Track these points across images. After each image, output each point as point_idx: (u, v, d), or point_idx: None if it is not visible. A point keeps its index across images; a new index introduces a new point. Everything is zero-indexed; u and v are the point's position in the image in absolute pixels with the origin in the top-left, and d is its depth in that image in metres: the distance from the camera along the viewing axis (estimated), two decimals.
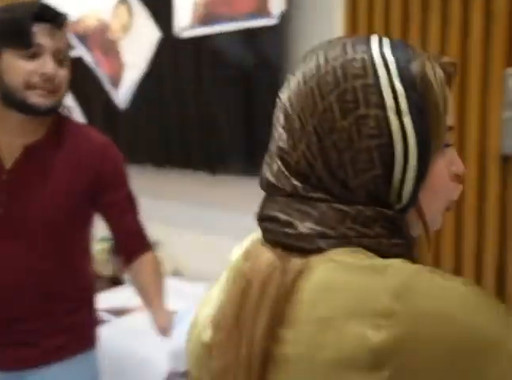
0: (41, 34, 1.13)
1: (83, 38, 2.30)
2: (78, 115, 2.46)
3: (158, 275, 1.35)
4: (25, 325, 1.22)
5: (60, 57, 1.16)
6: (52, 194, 1.21)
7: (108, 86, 2.20)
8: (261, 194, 0.52)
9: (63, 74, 1.17)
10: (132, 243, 1.33)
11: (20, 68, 1.12)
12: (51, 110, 1.17)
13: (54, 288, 1.25)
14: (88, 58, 2.27)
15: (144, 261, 1.32)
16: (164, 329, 1.31)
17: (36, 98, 1.13)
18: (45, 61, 1.13)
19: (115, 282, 2.12)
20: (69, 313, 1.27)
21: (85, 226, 1.31)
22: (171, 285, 1.98)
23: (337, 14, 1.52)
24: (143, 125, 2.12)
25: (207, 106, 1.84)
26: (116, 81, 2.15)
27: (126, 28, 2.07)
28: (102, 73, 2.22)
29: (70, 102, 2.46)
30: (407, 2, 1.32)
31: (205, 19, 1.80)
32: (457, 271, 1.32)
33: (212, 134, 1.85)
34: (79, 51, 2.30)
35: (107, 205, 1.29)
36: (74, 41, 2.32)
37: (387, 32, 1.37)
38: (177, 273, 2.18)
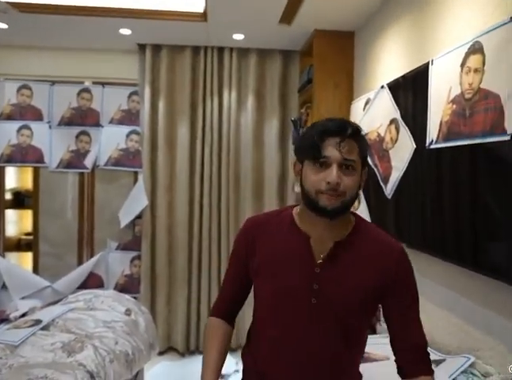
0: (329, 147, 1.20)
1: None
2: (361, 200, 3.11)
3: None
4: None
5: (348, 165, 1.21)
6: (352, 287, 1.27)
7: (381, 181, 2.83)
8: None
9: (348, 180, 1.21)
10: (413, 359, 1.28)
11: (312, 176, 1.23)
12: (337, 211, 1.23)
13: (340, 364, 1.31)
14: (370, 161, 2.94)
15: None
16: None
17: (323, 201, 1.22)
18: (332, 171, 1.20)
19: None
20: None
21: (371, 315, 1.37)
22: None
23: None
24: (403, 211, 2.60)
25: (453, 200, 2.07)
26: (386, 178, 2.75)
27: (394, 141, 2.65)
28: (378, 172, 2.87)
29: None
30: None
31: (447, 136, 2.08)
32: None
33: (464, 227, 1.98)
34: None
35: (394, 309, 1.30)
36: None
37: None
38: None
